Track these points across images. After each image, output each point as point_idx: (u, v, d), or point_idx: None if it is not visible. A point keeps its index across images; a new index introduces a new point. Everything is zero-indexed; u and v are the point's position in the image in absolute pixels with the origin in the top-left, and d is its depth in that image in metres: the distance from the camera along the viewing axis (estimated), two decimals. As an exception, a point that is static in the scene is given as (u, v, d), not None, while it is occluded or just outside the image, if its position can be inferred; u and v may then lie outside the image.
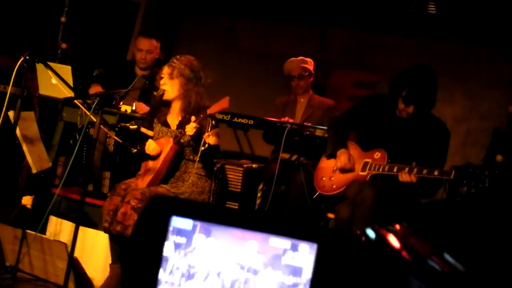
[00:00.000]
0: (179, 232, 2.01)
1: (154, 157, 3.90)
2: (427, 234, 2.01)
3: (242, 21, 6.48)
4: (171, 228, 2.01)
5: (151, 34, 5.16)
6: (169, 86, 3.91)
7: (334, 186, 4.02)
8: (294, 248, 1.98)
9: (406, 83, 3.80)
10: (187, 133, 3.76)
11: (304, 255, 1.97)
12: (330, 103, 5.07)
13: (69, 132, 4.25)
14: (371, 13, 5.72)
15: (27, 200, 4.04)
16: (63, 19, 5.40)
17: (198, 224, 2.02)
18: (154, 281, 1.99)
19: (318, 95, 5.15)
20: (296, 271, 1.98)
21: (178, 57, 3.95)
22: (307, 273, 1.97)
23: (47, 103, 4.65)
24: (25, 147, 3.61)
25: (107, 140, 4.29)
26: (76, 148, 3.59)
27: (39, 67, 4.20)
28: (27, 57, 3.44)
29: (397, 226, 2.10)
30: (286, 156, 4.68)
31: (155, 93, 4.01)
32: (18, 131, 3.53)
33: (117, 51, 6.22)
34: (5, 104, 3.45)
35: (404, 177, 3.68)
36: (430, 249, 1.76)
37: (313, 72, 5.06)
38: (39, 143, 3.77)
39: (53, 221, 3.93)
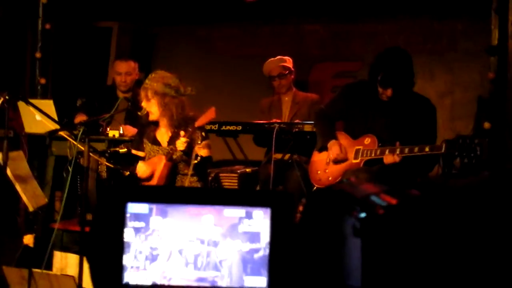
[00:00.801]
0: (137, 217, 2.08)
1: (149, 178, 3.92)
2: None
3: (217, 29, 6.50)
4: (128, 215, 2.07)
5: (127, 56, 5.19)
6: (149, 107, 3.94)
7: (329, 178, 4.04)
8: (249, 215, 2.08)
9: (381, 67, 3.84)
10: (178, 149, 3.78)
11: (259, 220, 2.07)
12: (314, 97, 5.10)
13: (61, 165, 4.25)
14: (342, 2, 5.76)
15: (28, 239, 4.03)
16: (38, 54, 5.41)
17: (154, 206, 2.08)
18: (120, 267, 2.06)
19: (301, 91, 5.17)
20: (254, 237, 2.07)
21: (149, 76, 3.98)
22: (265, 237, 2.07)
23: (35, 140, 4.65)
24: (18, 187, 3.61)
25: (99, 167, 4.29)
26: (69, 180, 3.59)
27: (21, 105, 4.21)
28: (7, 97, 3.44)
29: (352, 179, 2.24)
30: (279, 156, 4.70)
31: (139, 113, 4.03)
32: (9, 172, 3.52)
33: (96, 78, 6.23)
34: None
35: (388, 158, 3.72)
36: (378, 189, 1.87)
37: (292, 69, 5.09)
38: (32, 180, 3.77)
39: (58, 255, 3.92)
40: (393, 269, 1.66)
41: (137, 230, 2.08)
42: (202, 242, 2.08)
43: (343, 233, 1.79)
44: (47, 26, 5.46)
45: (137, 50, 6.39)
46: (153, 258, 2.08)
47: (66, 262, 3.89)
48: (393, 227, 1.69)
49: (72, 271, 3.75)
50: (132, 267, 2.07)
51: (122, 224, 2.06)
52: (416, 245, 1.69)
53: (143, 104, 3.95)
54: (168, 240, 2.08)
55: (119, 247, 2.05)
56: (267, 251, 2.06)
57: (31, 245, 4.00)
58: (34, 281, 3.61)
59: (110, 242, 2.05)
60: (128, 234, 2.07)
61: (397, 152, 3.71)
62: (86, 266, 3.32)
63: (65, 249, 4.07)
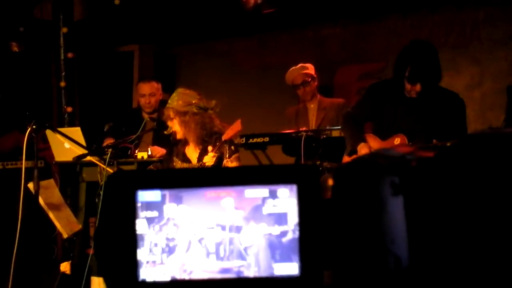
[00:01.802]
0: (149, 205, 1.86)
1: None
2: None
3: (236, 42, 6.51)
4: (139, 204, 1.85)
5: (150, 77, 5.21)
6: (174, 126, 3.94)
7: (362, 182, 3.97)
8: (273, 195, 1.85)
9: (407, 62, 3.74)
10: (206, 164, 3.76)
11: (285, 199, 1.84)
12: (340, 101, 5.05)
13: (93, 191, 4.27)
14: (360, 2, 5.71)
15: (65, 267, 4.06)
16: (62, 83, 5.48)
17: (167, 193, 1.86)
18: (134, 263, 1.83)
19: (326, 97, 5.13)
20: (281, 219, 1.84)
21: (171, 97, 3.98)
22: (293, 218, 1.83)
23: (66, 168, 4.69)
24: (51, 215, 3.64)
25: (130, 189, 4.30)
26: (100, 205, 3.60)
27: (50, 135, 4.25)
28: (34, 127, 3.47)
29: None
30: (309, 163, 4.64)
31: (165, 132, 4.03)
32: (41, 201, 3.56)
33: (122, 102, 6.29)
34: (22, 177, 3.48)
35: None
36: (413, 148, 1.65)
37: (315, 76, 5.04)
38: (65, 208, 3.80)
39: (95, 281, 3.94)
40: (443, 227, 1.44)
41: (150, 220, 1.85)
42: (223, 228, 1.85)
43: (381, 197, 1.56)
44: (70, 55, 5.53)
45: (159, 71, 6.43)
46: (170, 251, 1.85)
47: (103, 287, 3.90)
48: (436, 178, 1.46)
49: (111, 295, 3.76)
50: (147, 262, 1.85)
51: (133, 215, 1.83)
52: (466, 196, 1.43)
53: (169, 124, 3.96)
54: (185, 229, 1.85)
55: (132, 241, 1.82)
56: (297, 233, 1.82)
57: (68, 272, 4.02)
58: (74, 308, 3.63)
59: (121, 236, 1.83)
60: (141, 226, 1.85)
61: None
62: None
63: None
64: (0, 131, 5.39)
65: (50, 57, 5.75)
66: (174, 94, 3.98)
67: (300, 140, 4.47)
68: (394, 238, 1.53)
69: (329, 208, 1.79)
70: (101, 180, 3.99)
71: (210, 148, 3.77)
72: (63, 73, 5.51)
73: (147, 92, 4.97)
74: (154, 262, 1.86)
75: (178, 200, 1.86)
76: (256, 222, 1.85)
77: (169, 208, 1.86)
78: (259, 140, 4.73)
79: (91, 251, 3.75)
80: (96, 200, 4.06)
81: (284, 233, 1.84)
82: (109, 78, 6.25)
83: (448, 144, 3.59)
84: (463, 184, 1.46)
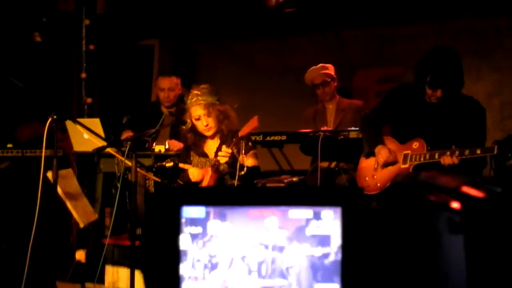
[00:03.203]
0: (193, 222, 1.89)
1: (196, 184, 3.93)
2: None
3: (257, 43, 6.53)
4: (183, 220, 1.88)
5: (170, 72, 5.24)
6: (211, 123, 3.96)
7: (378, 184, 3.97)
8: (317, 216, 1.86)
9: (429, 68, 3.73)
10: (220, 161, 3.79)
11: (329, 221, 1.85)
12: (359, 103, 5.04)
13: (110, 182, 4.30)
14: (382, 6, 5.70)
15: (80, 255, 4.09)
16: (83, 75, 5.53)
17: (211, 210, 1.89)
18: (177, 278, 1.86)
19: (345, 98, 5.12)
20: (324, 241, 1.85)
21: (198, 93, 3.97)
22: (336, 240, 1.85)
23: (84, 159, 4.73)
24: (69, 204, 3.66)
25: (147, 182, 4.33)
26: (117, 196, 3.63)
27: (69, 125, 4.29)
28: (54, 117, 3.50)
29: (424, 173, 1.97)
30: (325, 164, 4.65)
31: (183, 127, 4.05)
32: (59, 190, 3.58)
33: (140, 95, 6.32)
34: (42, 165, 3.51)
35: (446, 160, 3.61)
36: (461, 181, 1.64)
37: (335, 76, 5.04)
38: (82, 197, 3.83)
39: (109, 270, 3.97)
40: (505, 266, 1.45)
41: (193, 236, 1.88)
42: (266, 247, 1.88)
43: (435, 231, 1.58)
44: (91, 47, 5.58)
45: (179, 66, 6.46)
46: (212, 267, 1.89)
47: (117, 276, 3.93)
48: (501, 218, 1.47)
49: (124, 284, 3.79)
50: (190, 277, 1.88)
51: (177, 230, 1.87)
52: None
53: (204, 121, 3.95)
54: (228, 246, 1.88)
55: (175, 255, 1.86)
56: (339, 255, 1.84)
57: (83, 260, 4.06)
58: (87, 296, 3.67)
59: (164, 251, 1.87)
60: (184, 241, 1.88)
61: (447, 154, 3.62)
62: (137, 279, 3.35)
63: (116, 263, 4.11)
64: (20, 120, 5.45)
65: (72, 49, 5.80)
66: (203, 90, 3.97)
67: (318, 140, 4.47)
68: (449, 274, 1.54)
69: (374, 232, 1.82)
70: (118, 171, 4.02)
71: (224, 146, 3.79)
72: (84, 65, 5.56)
73: (166, 87, 5.00)
74: (196, 277, 1.89)
75: (222, 217, 1.90)
76: (299, 243, 1.88)
77: (213, 224, 1.90)
78: (276, 138, 4.74)
79: (106, 241, 3.78)
80: (113, 191, 4.10)
81: (326, 255, 1.86)
82: (129, 71, 6.29)
83: (467, 152, 3.58)
84: None
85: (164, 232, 1.88)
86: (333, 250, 1.85)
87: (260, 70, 6.46)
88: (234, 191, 2.28)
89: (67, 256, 4.54)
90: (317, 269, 1.86)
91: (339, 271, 1.84)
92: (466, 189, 1.55)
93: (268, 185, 4.54)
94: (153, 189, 4.32)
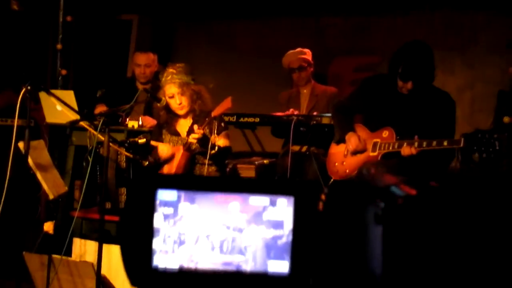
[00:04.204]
0: (166, 203, 2.18)
1: (168, 161, 3.95)
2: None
3: (236, 23, 6.52)
4: (158, 201, 2.18)
5: (147, 48, 5.22)
6: (184, 102, 3.97)
7: (347, 170, 4.03)
8: (273, 203, 2.16)
9: (401, 60, 3.82)
10: (189, 141, 3.82)
11: (283, 208, 2.15)
12: (333, 90, 5.10)
13: (81, 155, 4.30)
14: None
15: (48, 226, 4.08)
16: (59, 46, 5.48)
17: (182, 194, 2.18)
18: (150, 251, 2.16)
19: (320, 84, 5.17)
20: (277, 225, 2.15)
21: (173, 72, 3.97)
22: (288, 225, 2.14)
23: (56, 130, 4.72)
24: (39, 175, 3.65)
25: (118, 157, 4.34)
26: (89, 169, 3.63)
27: (43, 96, 4.27)
28: (29, 88, 3.48)
29: (372, 170, 2.36)
30: (297, 148, 4.70)
31: (158, 104, 4.06)
32: (30, 161, 3.57)
33: (116, 69, 6.29)
34: (14, 136, 3.50)
35: (406, 150, 3.70)
36: (398, 180, 1.94)
37: (312, 62, 5.09)
38: (52, 169, 3.82)
39: (77, 243, 3.98)
40: (413, 256, 1.70)
41: (166, 216, 2.17)
42: (228, 228, 2.17)
43: (365, 221, 1.88)
44: (68, 19, 5.53)
45: (157, 43, 6.43)
46: (181, 242, 2.18)
47: (85, 249, 3.94)
48: (413, 215, 1.74)
49: (91, 257, 3.80)
50: (161, 250, 2.17)
51: (152, 210, 2.16)
52: (434, 233, 1.71)
53: (177, 100, 3.95)
54: (195, 225, 2.17)
55: (149, 232, 2.16)
56: (290, 238, 2.13)
57: (51, 232, 4.05)
58: (53, 267, 3.67)
59: (140, 227, 2.16)
60: (158, 220, 2.17)
61: (415, 145, 3.70)
62: (104, 253, 3.37)
63: (84, 236, 4.12)
64: (-6, 88, 5.39)
65: (49, 19, 5.73)
66: (178, 69, 3.98)
67: (290, 123, 4.52)
68: (372, 258, 1.84)
69: (321, 219, 2.13)
70: (90, 145, 4.02)
71: (195, 127, 3.82)
72: (60, 36, 5.51)
73: (142, 63, 5.00)
74: (166, 251, 2.19)
75: (191, 201, 2.19)
76: (256, 225, 2.17)
77: (184, 206, 2.19)
78: (249, 119, 4.79)
79: (75, 214, 3.78)
80: (84, 164, 4.10)
81: (279, 237, 2.15)
82: (106, 45, 6.23)
83: (434, 143, 3.66)
84: (434, 226, 1.71)
85: (141, 211, 2.16)
86: (285, 233, 2.15)
87: (238, 51, 6.47)
88: (204, 179, 2.69)
89: (35, 227, 4.54)
90: (270, 248, 2.16)
91: (289, 250, 2.14)
92: (391, 182, 1.84)
93: (238, 165, 4.59)
94: (124, 164, 4.34)
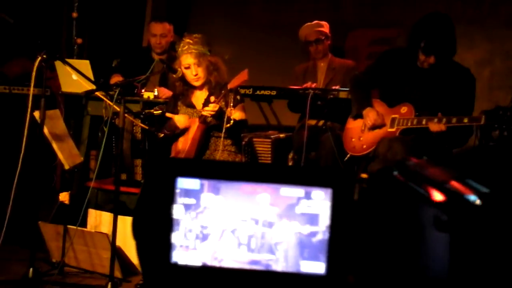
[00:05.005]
0: (187, 193, 1.93)
1: (183, 133, 3.94)
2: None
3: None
4: (178, 190, 1.93)
5: (163, 18, 5.17)
6: (200, 73, 3.93)
7: (364, 146, 4.00)
8: (308, 195, 1.91)
9: (424, 34, 3.74)
10: (208, 112, 3.78)
11: (319, 201, 1.91)
12: (350, 63, 5.03)
13: (97, 125, 4.29)
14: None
15: (64, 197, 4.10)
16: (74, 14, 5.43)
17: (206, 182, 1.93)
18: (168, 246, 1.92)
19: (337, 57, 5.11)
20: (312, 219, 1.91)
21: (190, 42, 3.91)
22: (325, 220, 1.91)
23: (72, 100, 4.70)
24: (55, 145, 3.65)
25: (134, 128, 4.33)
26: (104, 140, 3.63)
27: (58, 65, 4.24)
28: (44, 56, 3.46)
29: (414, 160, 2.01)
30: (313, 122, 4.66)
31: (174, 75, 4.03)
32: (46, 130, 3.57)
33: (132, 39, 6.24)
34: (29, 105, 3.48)
35: (435, 126, 3.65)
36: (450, 175, 1.67)
37: (329, 35, 5.01)
38: (68, 139, 3.81)
39: (92, 213, 3.99)
40: (490, 268, 1.47)
41: (187, 207, 1.93)
42: (257, 222, 1.93)
43: (419, 223, 1.62)
44: (84, -14, 5.47)
45: (172, 12, 6.36)
46: (203, 237, 1.94)
47: (100, 220, 3.96)
48: (491, 222, 1.47)
49: (106, 229, 3.82)
50: (181, 246, 1.93)
51: (171, 200, 1.92)
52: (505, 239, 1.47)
53: (194, 71, 3.91)
54: (220, 219, 1.94)
55: (168, 224, 1.91)
56: (327, 235, 1.90)
57: (67, 202, 4.08)
58: (68, 237, 3.69)
59: (158, 219, 1.92)
60: (178, 211, 1.93)
61: (435, 121, 3.65)
62: (119, 225, 3.38)
63: (99, 207, 4.14)
64: (9, 55, 5.37)
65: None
66: (195, 39, 3.92)
67: (307, 97, 4.48)
68: (430, 267, 1.57)
69: (361, 215, 1.88)
70: (106, 116, 4.01)
71: (212, 98, 3.78)
72: (76, 4, 5.45)
73: (158, 33, 4.95)
74: (187, 246, 1.94)
75: (215, 191, 1.94)
76: (288, 220, 1.93)
77: (207, 197, 1.94)
78: (266, 92, 4.74)
79: (91, 184, 3.79)
80: (99, 134, 4.09)
81: (314, 233, 1.92)
82: (121, 14, 6.18)
83: (454, 120, 3.62)
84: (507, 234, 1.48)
85: (159, 201, 1.93)
86: (321, 229, 1.91)
87: (255, 22, 6.40)
88: (229, 166, 2.35)
89: (50, 197, 4.56)
90: (304, 247, 1.92)
91: (325, 250, 1.90)
92: (455, 184, 1.57)
93: (254, 139, 4.57)
94: (140, 135, 4.32)
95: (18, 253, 3.90)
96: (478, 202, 1.44)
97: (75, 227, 3.66)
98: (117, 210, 3.41)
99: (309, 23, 5.02)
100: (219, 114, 3.78)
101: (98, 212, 3.99)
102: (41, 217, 3.81)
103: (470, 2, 5.51)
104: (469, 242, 1.45)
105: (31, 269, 3.42)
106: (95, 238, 3.68)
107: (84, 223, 3.91)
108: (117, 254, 3.53)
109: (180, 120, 3.97)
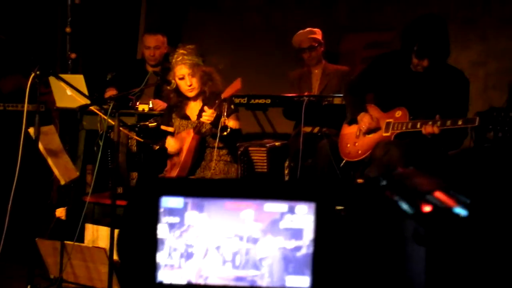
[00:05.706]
0: (171, 212, 1.94)
1: (177, 153, 3.94)
2: (457, 186, 1.91)
3: (245, 1, 6.45)
4: (162, 209, 1.93)
5: (156, 30, 5.17)
6: (195, 83, 3.93)
7: (359, 151, 4.00)
8: (291, 210, 1.92)
9: (417, 37, 3.71)
10: (204, 122, 3.79)
11: (303, 216, 1.91)
12: (345, 69, 5.04)
13: (92, 139, 4.29)
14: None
15: (60, 212, 4.10)
16: (68, 29, 5.44)
17: (189, 200, 1.94)
18: (153, 265, 1.92)
19: (331, 63, 5.11)
20: (297, 234, 1.92)
21: (184, 52, 3.92)
22: (309, 234, 1.91)
23: (67, 115, 4.70)
24: (50, 161, 3.65)
25: (129, 141, 4.33)
26: (99, 154, 3.62)
27: (52, 80, 4.24)
28: (38, 72, 3.46)
29: (400, 170, 2.01)
30: (308, 129, 4.67)
31: (168, 87, 4.03)
32: (41, 146, 3.56)
33: (126, 52, 6.25)
34: (24, 121, 3.48)
35: (428, 129, 3.64)
36: (433, 185, 1.66)
37: (322, 41, 5.02)
38: (63, 154, 3.81)
39: (89, 228, 3.99)
40: (466, 281, 1.49)
41: (171, 226, 1.93)
42: (241, 238, 1.93)
43: (402, 237, 1.65)
44: (77, 1, 5.48)
45: (166, 24, 6.37)
46: (188, 256, 1.94)
47: (97, 235, 3.95)
48: (467, 237, 1.50)
49: (103, 243, 3.81)
50: (166, 265, 1.93)
51: (155, 220, 1.92)
52: (493, 257, 1.49)
53: (188, 81, 3.91)
54: (204, 236, 1.94)
55: (152, 244, 1.92)
56: (311, 249, 1.91)
57: (63, 217, 4.07)
58: (66, 253, 3.68)
59: (142, 239, 1.92)
60: (162, 230, 1.93)
61: (429, 124, 3.64)
62: (116, 239, 3.37)
63: (96, 222, 4.13)
64: (3, 72, 5.38)
65: (57, 2, 5.69)
66: (189, 50, 3.93)
67: (302, 104, 4.48)
68: (412, 280, 1.59)
69: (345, 228, 1.89)
70: (101, 129, 4.00)
71: (206, 108, 3.78)
72: (69, 19, 5.47)
73: (152, 45, 4.96)
74: (172, 265, 1.94)
75: (199, 209, 1.94)
76: (273, 235, 1.93)
77: (191, 215, 1.94)
78: (260, 101, 4.75)
79: (87, 199, 3.79)
80: (95, 148, 4.08)
81: (298, 248, 1.92)
82: (115, 27, 6.19)
83: (449, 123, 3.61)
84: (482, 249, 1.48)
85: (143, 221, 1.93)
86: (305, 243, 1.91)
87: (248, 29, 6.40)
88: (212, 183, 2.36)
89: (47, 212, 4.55)
90: (289, 261, 1.92)
91: (310, 264, 1.90)
92: (439, 195, 1.57)
93: (250, 148, 4.55)
94: (135, 148, 4.32)
95: (16, 270, 3.89)
96: (463, 214, 1.43)
97: (72, 242, 3.65)
98: (114, 224, 3.40)
99: (302, 31, 5.03)
100: (215, 123, 3.79)
101: (95, 226, 3.98)
102: (38, 233, 3.80)
103: (463, 2, 5.50)
104: (445, 256, 1.45)
105: (29, 286, 3.41)
106: (93, 252, 3.67)
107: (81, 238, 3.90)
108: (115, 268, 3.51)
109: (170, 144, 3.96)
